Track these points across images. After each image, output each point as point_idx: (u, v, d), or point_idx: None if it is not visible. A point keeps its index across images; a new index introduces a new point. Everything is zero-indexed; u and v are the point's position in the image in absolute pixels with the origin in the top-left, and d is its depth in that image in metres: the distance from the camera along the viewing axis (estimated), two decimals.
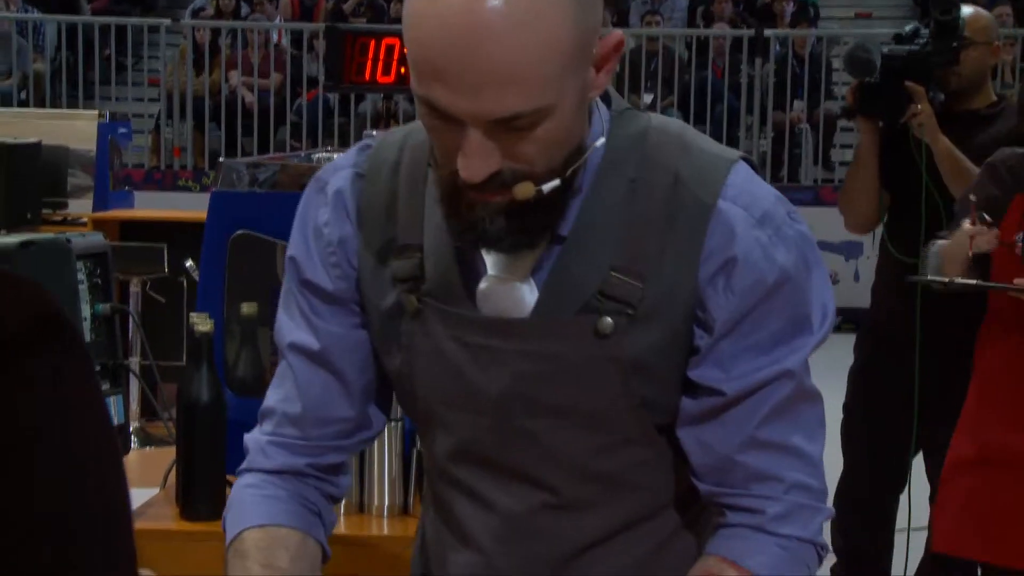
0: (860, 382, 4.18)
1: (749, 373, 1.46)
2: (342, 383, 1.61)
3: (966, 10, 3.94)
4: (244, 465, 1.67)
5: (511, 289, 1.48)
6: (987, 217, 3.41)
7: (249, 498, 1.63)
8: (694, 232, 1.43)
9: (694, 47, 12.38)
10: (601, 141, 1.44)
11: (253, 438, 1.66)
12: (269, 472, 1.64)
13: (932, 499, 4.20)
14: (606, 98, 1.49)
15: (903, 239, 4.05)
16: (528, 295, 1.48)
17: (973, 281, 3.42)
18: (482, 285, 1.48)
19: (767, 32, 11.87)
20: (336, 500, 1.71)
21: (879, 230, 4.30)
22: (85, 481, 0.86)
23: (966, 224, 3.44)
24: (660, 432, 1.53)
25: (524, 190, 1.35)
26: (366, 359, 1.62)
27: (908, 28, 4.03)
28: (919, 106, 3.89)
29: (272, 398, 1.65)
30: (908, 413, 4.04)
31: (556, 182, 1.36)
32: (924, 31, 3.90)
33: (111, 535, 0.88)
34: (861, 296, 4.86)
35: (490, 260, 1.48)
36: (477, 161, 1.33)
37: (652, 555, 1.59)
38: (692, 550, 1.59)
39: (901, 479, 4.26)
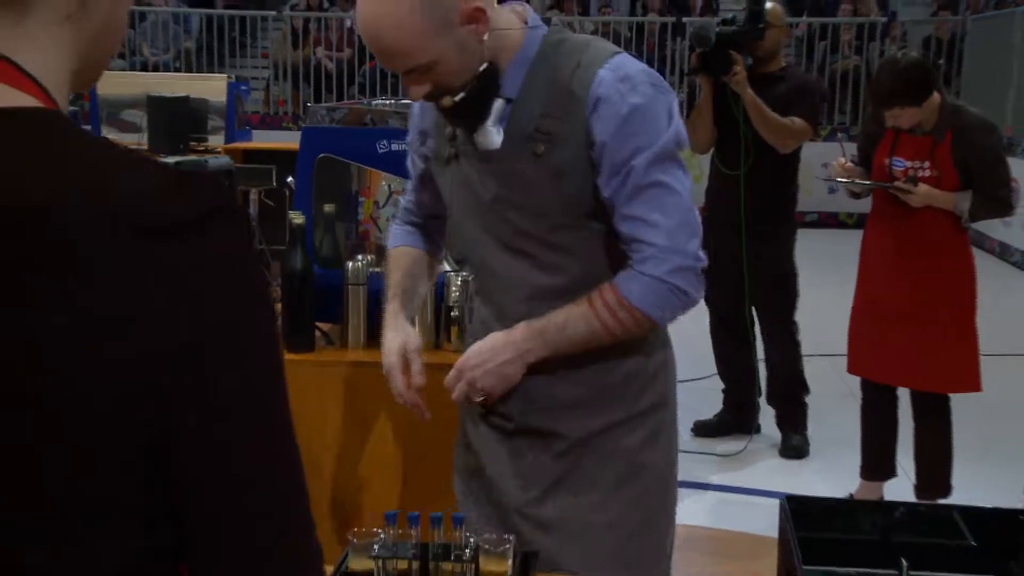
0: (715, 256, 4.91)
1: (618, 176, 1.88)
2: (430, 193, 2.20)
3: (768, 4, 4.85)
4: (398, 214, 2.37)
5: (495, 132, 1.94)
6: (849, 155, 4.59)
7: (398, 231, 2.32)
8: (582, 89, 1.87)
9: (634, 30, 14.30)
10: (533, 49, 1.92)
11: (401, 201, 2.36)
12: (406, 222, 2.32)
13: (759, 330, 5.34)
14: (548, 24, 2.00)
15: (725, 157, 5.10)
16: (496, 136, 1.94)
17: (867, 183, 4.28)
18: (485, 130, 1.94)
19: (684, 19, 13.96)
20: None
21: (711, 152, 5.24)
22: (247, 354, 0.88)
23: (841, 160, 4.51)
24: (587, 218, 1.95)
25: (445, 102, 1.89)
26: (432, 187, 2.17)
27: (730, 16, 4.96)
28: (737, 68, 4.83)
29: (408, 188, 2.34)
30: (738, 272, 5.05)
31: (461, 95, 1.87)
32: (741, 17, 4.81)
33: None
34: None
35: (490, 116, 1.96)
36: (411, 90, 1.90)
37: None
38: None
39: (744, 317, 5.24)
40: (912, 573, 1.52)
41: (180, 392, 0.84)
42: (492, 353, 1.98)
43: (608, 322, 1.92)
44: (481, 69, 1.88)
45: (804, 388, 5.42)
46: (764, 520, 4.05)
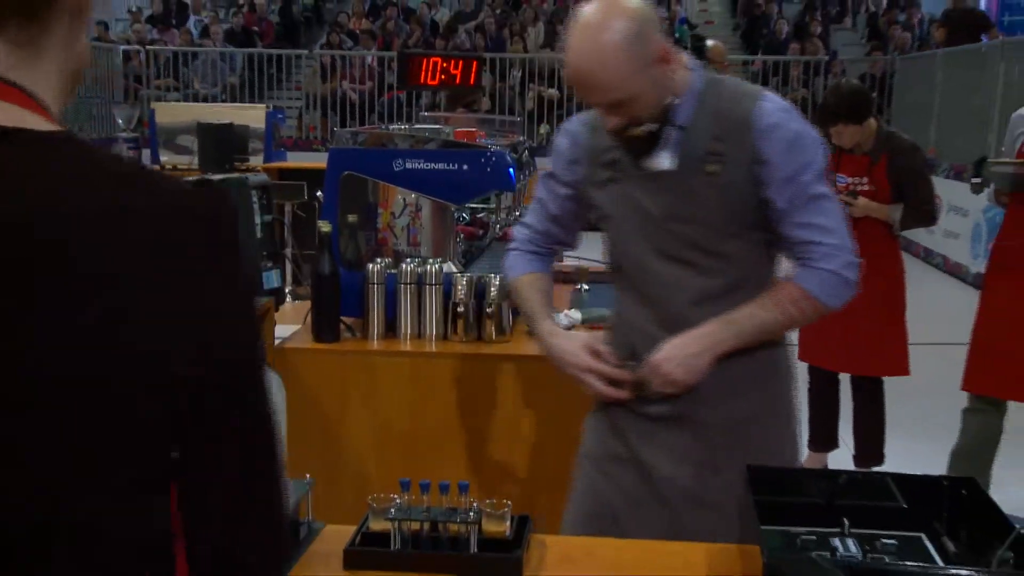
0: None
1: (788, 189, 1.90)
2: (561, 224, 2.18)
3: (709, 42, 4.81)
4: (512, 246, 2.26)
5: (665, 156, 1.94)
6: None
7: (520, 260, 2.22)
8: (749, 116, 1.89)
9: None
10: (698, 85, 1.93)
11: (520, 231, 2.25)
12: (526, 251, 2.22)
13: None
14: (706, 66, 2.05)
15: None
16: (667, 160, 1.94)
17: None
18: (653, 155, 1.95)
19: None
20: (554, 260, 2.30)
21: None
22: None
23: None
24: (748, 228, 1.95)
25: (636, 132, 1.90)
26: (572, 212, 2.15)
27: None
28: None
29: (529, 219, 2.23)
30: None
31: (652, 125, 1.89)
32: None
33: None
34: None
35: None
36: (608, 120, 1.91)
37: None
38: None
39: None
40: (853, 531, 1.52)
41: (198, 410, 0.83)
42: (686, 348, 1.94)
43: (793, 313, 1.94)
44: (667, 102, 1.91)
45: None
46: None
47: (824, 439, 4.65)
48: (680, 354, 1.93)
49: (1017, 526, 1.40)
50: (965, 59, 11.55)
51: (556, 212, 2.17)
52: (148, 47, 15.05)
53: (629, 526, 1.98)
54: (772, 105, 1.93)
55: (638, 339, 2.04)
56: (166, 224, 0.82)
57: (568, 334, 2.11)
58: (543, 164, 2.20)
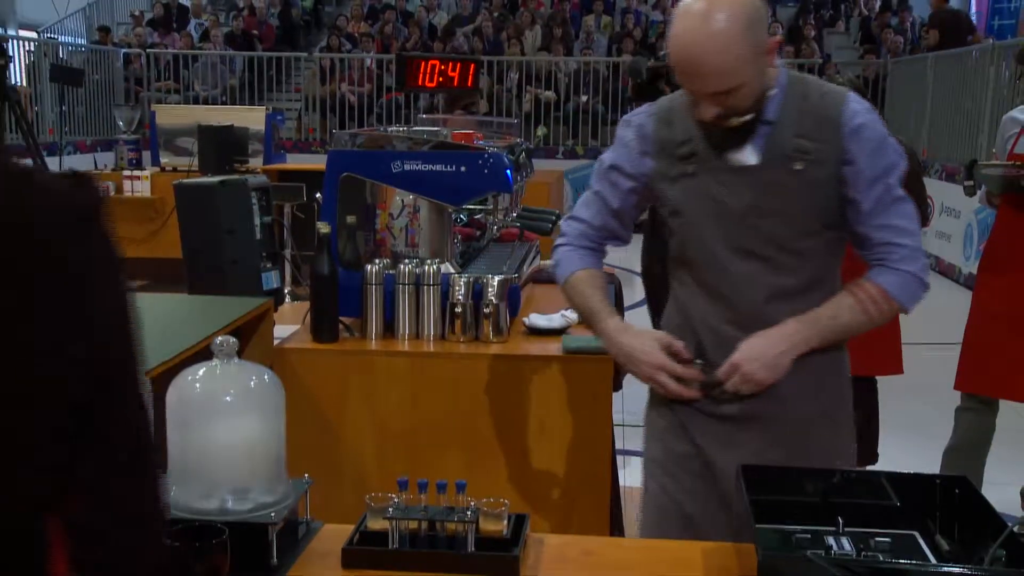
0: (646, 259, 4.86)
1: (873, 191, 1.88)
2: (621, 218, 2.09)
3: None
4: (562, 241, 2.15)
5: (749, 150, 1.90)
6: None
7: (574, 255, 2.11)
8: (838, 116, 1.87)
9: (611, 68, 14.01)
10: (783, 80, 1.90)
11: (571, 226, 2.14)
12: (580, 247, 2.12)
13: None
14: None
15: None
16: (751, 154, 1.90)
17: None
18: (735, 149, 1.90)
19: (652, 59, 13.58)
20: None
21: None
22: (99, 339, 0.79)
23: None
24: (826, 227, 1.93)
25: (734, 122, 1.85)
26: (634, 205, 2.08)
27: (662, 53, 4.81)
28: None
29: (583, 214, 2.12)
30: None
31: (749, 116, 1.85)
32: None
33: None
34: None
35: (736, 137, 1.91)
36: (706, 109, 1.85)
37: (813, 307, 1.93)
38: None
39: None
40: (847, 529, 1.52)
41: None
42: (771, 347, 1.90)
43: (872, 313, 1.92)
44: (766, 94, 1.88)
45: None
46: None
47: None
48: (764, 353, 1.90)
49: (1009, 524, 1.40)
50: (956, 62, 11.56)
51: (618, 206, 2.10)
52: (149, 50, 15.04)
53: (703, 527, 1.94)
54: (859, 106, 1.91)
55: (707, 337, 2.00)
56: (32, 226, 0.77)
57: (638, 330, 2.04)
58: (602, 157, 2.11)
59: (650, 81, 4.86)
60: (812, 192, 1.90)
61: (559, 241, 2.17)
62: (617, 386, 5.60)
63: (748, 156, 1.91)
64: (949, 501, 1.57)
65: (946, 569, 1.37)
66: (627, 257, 5.05)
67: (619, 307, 3.27)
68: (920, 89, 12.38)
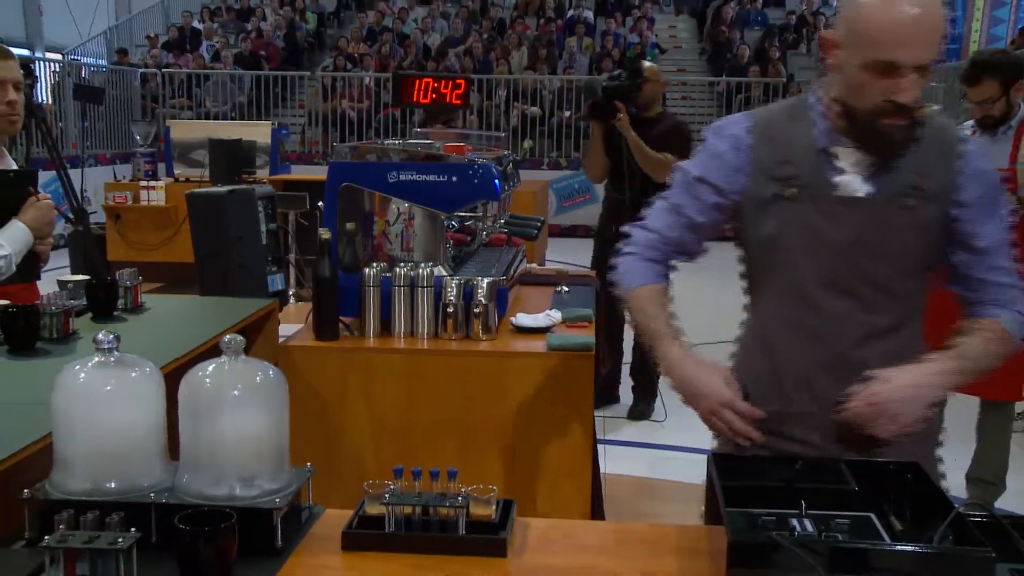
0: (598, 266, 4.86)
1: (987, 233, 1.71)
2: (699, 233, 1.83)
3: (646, 63, 4.79)
4: (629, 249, 1.86)
5: (859, 181, 1.68)
6: None
7: (640, 266, 1.84)
8: (955, 156, 1.68)
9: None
10: None
11: (640, 235, 1.86)
12: (648, 259, 1.85)
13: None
14: None
15: (617, 185, 4.96)
16: (862, 185, 1.68)
17: None
18: (845, 178, 1.67)
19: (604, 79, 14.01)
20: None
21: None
22: None
23: None
24: (925, 268, 1.75)
25: (927, 110, 1.63)
26: (716, 222, 1.81)
27: (615, 72, 4.88)
28: (621, 115, 4.72)
29: (655, 224, 1.85)
30: None
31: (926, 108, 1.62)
32: (625, 73, 4.74)
33: None
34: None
35: (848, 164, 1.68)
36: (913, 92, 1.57)
37: (903, 348, 1.74)
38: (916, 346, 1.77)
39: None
40: (809, 512, 1.52)
41: None
42: (919, 386, 1.64)
43: (999, 352, 1.72)
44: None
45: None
46: (694, 471, 4.05)
47: None
48: (918, 392, 1.63)
49: (956, 505, 1.40)
50: None
51: (699, 220, 1.82)
52: (164, 70, 14.99)
53: None
54: (976, 147, 1.75)
55: (788, 374, 1.78)
56: None
57: (702, 360, 1.72)
58: (689, 168, 1.86)
59: (607, 99, 4.83)
60: (923, 231, 1.71)
61: (626, 248, 1.89)
62: (612, 397, 5.51)
63: (858, 187, 1.69)
64: (902, 485, 1.58)
65: (899, 548, 1.37)
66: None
67: (597, 309, 3.27)
68: None
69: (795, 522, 1.50)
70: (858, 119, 1.64)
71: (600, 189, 5.42)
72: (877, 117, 1.61)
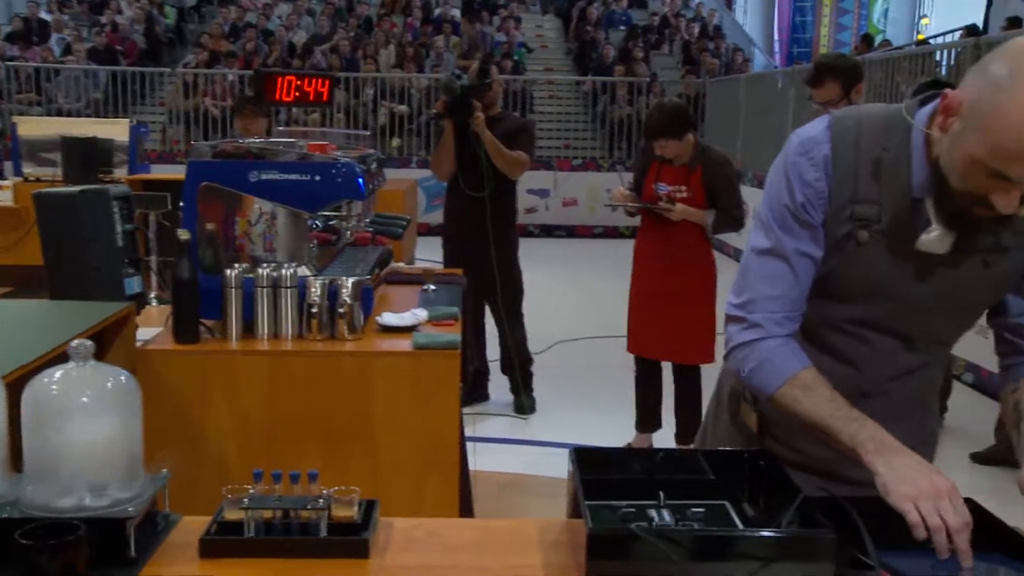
0: (450, 261, 4.95)
1: None
2: (816, 263, 1.62)
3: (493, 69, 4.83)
4: (754, 335, 1.62)
5: (942, 238, 1.51)
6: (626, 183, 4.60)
7: (786, 352, 1.61)
8: None
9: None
10: None
11: (758, 314, 1.61)
12: (787, 336, 1.62)
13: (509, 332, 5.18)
14: None
15: (470, 183, 4.99)
16: (941, 240, 1.50)
17: (639, 204, 4.36)
18: (932, 234, 1.50)
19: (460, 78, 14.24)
20: None
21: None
22: None
23: (620, 188, 4.52)
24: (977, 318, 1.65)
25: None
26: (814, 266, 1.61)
27: (455, 72, 5.03)
28: (479, 114, 4.82)
29: (774, 290, 1.61)
30: (484, 273, 4.94)
31: None
32: (468, 75, 4.88)
33: None
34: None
35: (937, 218, 1.51)
36: (1015, 206, 1.39)
37: (927, 384, 1.73)
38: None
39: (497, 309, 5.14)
40: (668, 502, 1.56)
41: None
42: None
43: None
44: None
45: (531, 360, 5.46)
46: (566, 466, 4.10)
47: (649, 421, 4.79)
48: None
49: (802, 491, 1.47)
50: (763, 83, 12.10)
51: (819, 254, 1.62)
52: (8, 63, 14.27)
53: None
54: None
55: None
56: None
57: (911, 454, 1.48)
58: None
59: (462, 99, 4.86)
60: (997, 287, 1.61)
61: (746, 336, 1.64)
62: (482, 395, 5.55)
63: (936, 241, 1.53)
64: (755, 473, 1.63)
65: (749, 533, 1.42)
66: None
67: (464, 306, 3.28)
68: (734, 106, 12.89)
69: (654, 512, 1.54)
70: (950, 192, 1.47)
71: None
72: (971, 204, 1.45)
